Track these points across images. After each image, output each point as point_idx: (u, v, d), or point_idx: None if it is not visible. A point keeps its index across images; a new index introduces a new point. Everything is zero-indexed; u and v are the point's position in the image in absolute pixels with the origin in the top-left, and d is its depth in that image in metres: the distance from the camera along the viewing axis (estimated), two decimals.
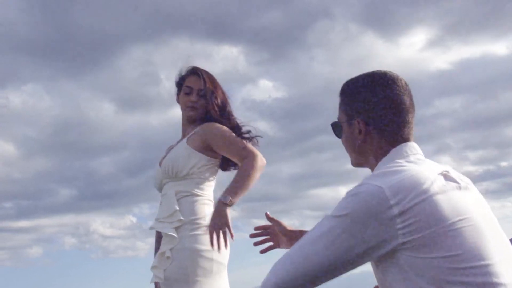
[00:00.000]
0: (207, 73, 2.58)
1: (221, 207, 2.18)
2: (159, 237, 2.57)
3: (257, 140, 2.47)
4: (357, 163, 1.54)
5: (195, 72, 2.57)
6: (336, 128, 1.55)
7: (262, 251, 1.93)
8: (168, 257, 2.29)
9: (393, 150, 1.40)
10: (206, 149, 2.43)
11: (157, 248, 2.57)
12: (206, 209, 2.41)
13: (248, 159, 2.30)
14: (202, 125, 2.49)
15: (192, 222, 2.35)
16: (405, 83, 1.46)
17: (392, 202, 1.23)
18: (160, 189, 2.56)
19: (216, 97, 2.51)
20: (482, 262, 1.23)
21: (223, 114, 2.49)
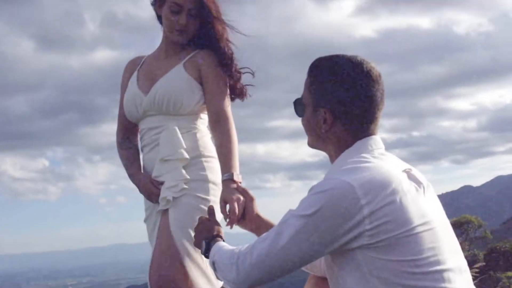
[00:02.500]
0: None
1: (229, 187, 1.88)
2: (133, 158, 2.24)
3: (246, 92, 2.17)
4: (313, 146, 1.53)
5: None
6: (299, 107, 1.53)
7: (229, 224, 1.82)
8: (183, 189, 2.01)
9: (358, 143, 1.42)
10: (200, 81, 2.09)
11: (132, 161, 2.23)
12: (211, 144, 2.14)
13: (223, 123, 2.01)
14: (203, 53, 2.10)
15: (205, 155, 2.08)
16: (379, 75, 1.43)
17: (362, 202, 1.25)
18: (139, 119, 2.16)
19: (214, 19, 2.07)
20: (437, 268, 1.29)
21: (221, 42, 2.09)
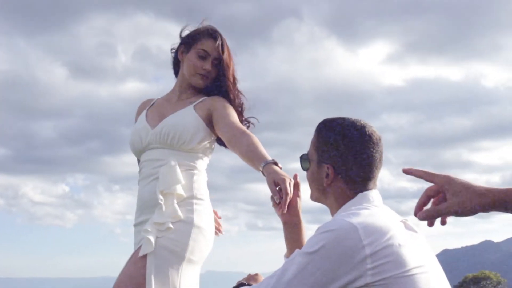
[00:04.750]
0: (225, 41, 2.29)
1: (272, 167, 1.79)
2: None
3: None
4: (316, 199, 1.63)
5: (214, 36, 2.27)
6: (304, 162, 1.64)
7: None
8: (169, 228, 2.04)
9: (360, 195, 1.52)
10: (210, 122, 2.20)
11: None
12: (206, 186, 2.24)
13: (245, 134, 2.03)
14: (213, 97, 2.25)
15: (197, 197, 2.14)
16: (379, 138, 1.55)
17: (365, 242, 1.32)
18: (141, 151, 2.25)
19: (230, 73, 2.26)
20: None
21: (234, 92, 2.27)
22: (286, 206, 1.69)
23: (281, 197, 1.69)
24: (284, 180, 1.71)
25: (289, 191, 1.68)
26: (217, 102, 2.23)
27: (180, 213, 2.07)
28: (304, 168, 1.64)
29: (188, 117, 2.19)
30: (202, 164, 2.24)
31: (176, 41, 2.37)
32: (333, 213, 1.57)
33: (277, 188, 1.72)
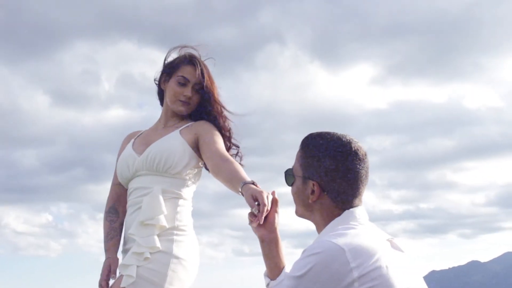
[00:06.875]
0: (205, 66, 2.31)
1: (250, 186, 1.80)
2: (114, 233, 2.26)
3: (240, 158, 2.29)
4: (301, 215, 1.61)
5: (193, 62, 2.29)
6: (289, 177, 1.61)
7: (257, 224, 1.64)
8: (147, 258, 2.06)
9: (346, 212, 1.50)
10: (196, 147, 2.21)
11: (112, 236, 2.26)
12: (190, 216, 2.24)
13: (229, 162, 2.04)
14: (199, 122, 2.27)
15: (178, 228, 2.14)
16: (365, 154, 1.53)
17: (352, 265, 1.31)
18: (129, 179, 2.25)
19: (215, 97, 2.28)
20: None
21: (222, 116, 2.29)
22: (263, 218, 1.67)
23: (258, 210, 1.68)
24: (261, 193, 1.71)
25: (266, 203, 1.67)
26: (203, 127, 2.24)
27: (158, 244, 2.08)
28: (288, 184, 1.62)
29: (174, 141, 2.20)
30: (189, 192, 2.24)
31: (159, 69, 2.39)
32: (319, 229, 1.55)
33: (255, 203, 1.71)
